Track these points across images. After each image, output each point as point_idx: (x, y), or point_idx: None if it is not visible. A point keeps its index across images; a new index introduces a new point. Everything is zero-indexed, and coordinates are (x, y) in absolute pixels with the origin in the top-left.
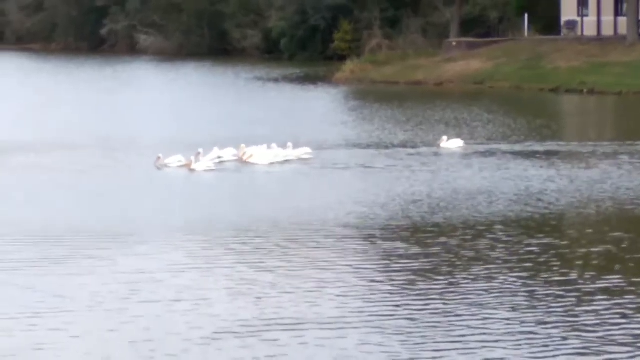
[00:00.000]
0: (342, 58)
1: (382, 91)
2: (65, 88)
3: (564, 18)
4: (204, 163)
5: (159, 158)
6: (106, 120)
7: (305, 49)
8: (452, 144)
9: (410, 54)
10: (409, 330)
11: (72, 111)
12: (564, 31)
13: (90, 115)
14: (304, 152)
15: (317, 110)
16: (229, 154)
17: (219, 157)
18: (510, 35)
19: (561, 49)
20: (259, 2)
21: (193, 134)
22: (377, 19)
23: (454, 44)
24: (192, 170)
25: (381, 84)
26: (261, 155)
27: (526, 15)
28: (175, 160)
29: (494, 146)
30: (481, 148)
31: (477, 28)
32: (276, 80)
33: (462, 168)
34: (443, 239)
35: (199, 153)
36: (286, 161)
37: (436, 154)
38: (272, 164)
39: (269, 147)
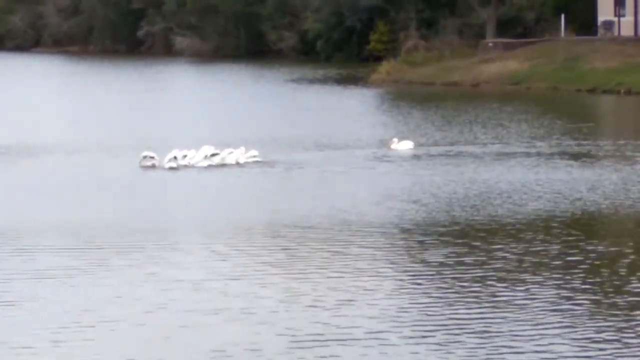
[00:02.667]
0: (378, 59)
1: (418, 92)
2: (103, 90)
3: (600, 18)
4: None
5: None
6: (142, 122)
7: (341, 51)
8: (402, 146)
9: (446, 54)
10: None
11: (110, 113)
12: (600, 31)
13: (127, 116)
14: (251, 155)
15: (352, 111)
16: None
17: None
18: (546, 35)
19: (598, 49)
20: (295, 4)
21: (223, 135)
22: (413, 20)
23: (491, 44)
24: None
25: (417, 85)
26: (193, 157)
27: (563, 16)
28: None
29: (522, 149)
30: (516, 149)
31: (514, 28)
32: (312, 81)
33: (498, 167)
34: (480, 240)
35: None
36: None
37: (414, 156)
38: (208, 166)
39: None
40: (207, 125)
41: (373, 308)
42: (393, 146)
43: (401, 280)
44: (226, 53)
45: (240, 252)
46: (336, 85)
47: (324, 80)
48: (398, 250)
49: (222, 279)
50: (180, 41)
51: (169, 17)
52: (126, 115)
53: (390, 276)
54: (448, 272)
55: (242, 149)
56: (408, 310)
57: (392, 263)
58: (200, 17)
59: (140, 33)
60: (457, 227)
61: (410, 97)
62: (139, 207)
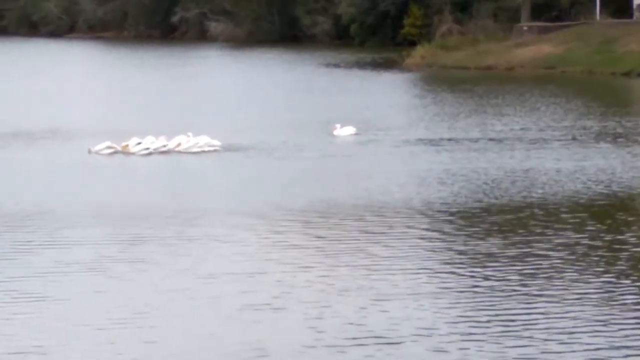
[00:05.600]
0: (412, 43)
1: (452, 76)
2: (136, 76)
3: (636, 1)
4: (138, 147)
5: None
6: (176, 107)
7: (376, 35)
8: (345, 132)
9: (480, 38)
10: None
11: (141, 98)
12: (636, 14)
13: (162, 102)
14: (206, 142)
15: (387, 95)
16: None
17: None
18: (581, 19)
19: (633, 32)
20: None
21: (249, 120)
22: (448, 4)
23: (525, 28)
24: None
25: (452, 69)
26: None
27: None
28: (104, 146)
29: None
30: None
31: (548, 12)
32: (346, 66)
33: (532, 152)
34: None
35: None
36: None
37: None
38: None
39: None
40: (239, 111)
41: (425, 300)
42: (335, 132)
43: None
44: (260, 38)
45: (280, 239)
46: (370, 69)
47: (358, 65)
48: (442, 236)
49: (265, 270)
50: (214, 26)
51: (202, 2)
52: (158, 100)
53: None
54: (491, 261)
55: (205, 136)
56: (460, 305)
57: (437, 250)
58: (234, 2)
59: (175, 19)
60: (499, 213)
61: (444, 81)
62: (171, 192)
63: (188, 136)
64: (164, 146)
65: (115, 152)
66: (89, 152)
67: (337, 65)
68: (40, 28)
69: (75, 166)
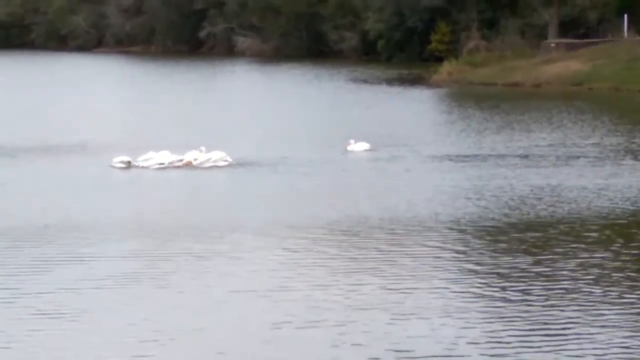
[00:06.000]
0: (439, 59)
1: (479, 93)
2: (164, 90)
3: None
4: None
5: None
6: (198, 122)
7: (403, 51)
8: (359, 147)
9: (508, 55)
10: None
11: (169, 113)
12: None
13: (185, 116)
14: (220, 157)
15: (413, 111)
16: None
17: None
18: (609, 36)
19: None
20: (357, 4)
21: (268, 135)
22: (475, 20)
23: (553, 45)
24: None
25: (478, 86)
26: (150, 159)
27: (626, 16)
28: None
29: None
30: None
31: (576, 29)
32: (373, 82)
33: (560, 169)
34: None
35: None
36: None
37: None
38: (161, 168)
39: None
40: (259, 126)
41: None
42: (349, 148)
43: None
44: (287, 53)
45: (305, 253)
46: (397, 85)
47: (385, 81)
48: (472, 251)
49: (288, 287)
50: (242, 41)
51: (230, 17)
52: (181, 115)
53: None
54: (523, 275)
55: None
56: (484, 322)
57: (473, 264)
58: (261, 17)
59: (202, 33)
60: (525, 230)
61: (471, 97)
62: (193, 207)
63: (201, 151)
64: (180, 160)
65: (129, 167)
66: (128, 165)
67: (364, 81)
68: (69, 42)
69: (98, 180)
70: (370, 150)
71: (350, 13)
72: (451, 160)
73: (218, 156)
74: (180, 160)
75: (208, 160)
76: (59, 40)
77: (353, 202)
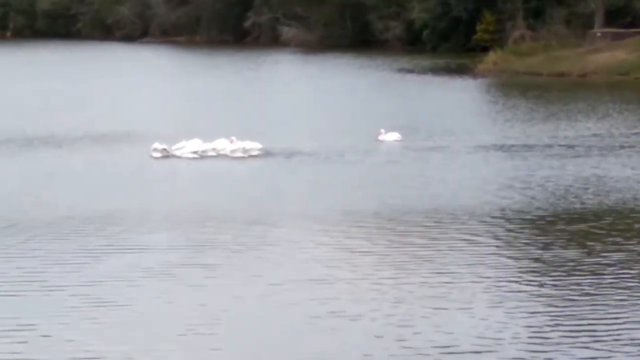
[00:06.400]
0: (484, 49)
1: (525, 82)
2: (208, 80)
3: None
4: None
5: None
6: (240, 111)
7: (448, 41)
8: (390, 137)
9: (553, 44)
10: None
11: (210, 103)
12: None
13: (227, 106)
14: (253, 147)
15: (458, 101)
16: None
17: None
18: None
19: None
20: None
21: (306, 125)
22: (520, 10)
23: (599, 34)
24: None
25: (524, 75)
26: (184, 147)
27: None
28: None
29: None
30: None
31: (622, 18)
32: (418, 71)
33: (606, 159)
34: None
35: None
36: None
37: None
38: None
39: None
40: (300, 115)
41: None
42: (380, 137)
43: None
44: (332, 43)
45: (356, 244)
46: (442, 75)
47: (430, 71)
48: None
49: (334, 277)
50: (287, 31)
51: (275, 7)
52: (224, 104)
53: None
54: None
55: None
56: (532, 314)
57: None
58: (306, 7)
59: (247, 23)
60: (571, 221)
61: (516, 87)
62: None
63: (231, 141)
64: (213, 149)
65: (166, 156)
66: (165, 154)
67: (409, 71)
68: (114, 32)
69: (140, 169)
70: (401, 140)
71: (395, 2)
72: (496, 150)
73: (250, 145)
74: (214, 149)
75: (240, 149)
76: (104, 30)
77: (396, 191)
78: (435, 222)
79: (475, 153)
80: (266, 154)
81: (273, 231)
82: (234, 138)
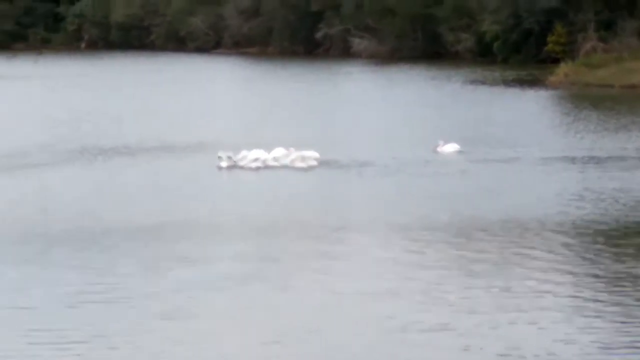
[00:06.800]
0: (555, 61)
1: (596, 95)
2: (280, 91)
3: None
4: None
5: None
6: (311, 122)
7: (519, 52)
8: (448, 148)
9: (625, 57)
10: None
11: (285, 113)
12: None
13: (300, 117)
14: (312, 156)
15: (528, 113)
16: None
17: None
18: None
19: None
20: (473, 6)
21: (378, 137)
22: (592, 22)
23: None
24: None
25: (595, 88)
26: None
27: None
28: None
29: None
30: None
31: None
32: (489, 83)
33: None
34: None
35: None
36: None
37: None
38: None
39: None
40: (365, 127)
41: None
42: (439, 149)
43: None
44: (403, 55)
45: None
46: (514, 87)
47: (501, 82)
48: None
49: (408, 288)
50: (358, 43)
51: (346, 19)
52: (293, 115)
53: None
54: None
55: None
56: (601, 327)
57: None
58: (378, 19)
59: (319, 35)
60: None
61: (587, 99)
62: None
63: (289, 150)
64: (274, 159)
65: (231, 166)
66: (230, 163)
67: (480, 82)
68: (187, 43)
69: (207, 179)
70: (459, 151)
71: (467, 14)
72: (567, 161)
73: (310, 155)
74: (275, 159)
75: (299, 158)
76: (177, 41)
77: (465, 203)
78: (506, 233)
79: (545, 165)
80: (326, 164)
81: (342, 242)
82: (292, 148)
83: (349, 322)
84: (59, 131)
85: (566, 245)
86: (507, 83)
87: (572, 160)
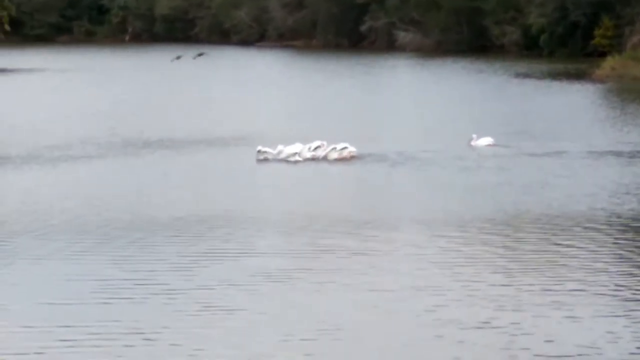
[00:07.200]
0: (602, 54)
1: None
2: (323, 84)
3: None
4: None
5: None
6: (351, 115)
7: (565, 45)
8: (482, 142)
9: None
10: None
11: (327, 106)
12: None
13: (340, 110)
14: (349, 150)
15: (574, 106)
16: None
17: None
18: None
19: None
20: None
21: (419, 129)
22: (639, 15)
23: None
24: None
25: None
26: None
27: None
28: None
29: None
30: None
31: None
32: (536, 76)
33: None
34: None
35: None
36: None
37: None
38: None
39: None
40: (411, 120)
41: None
42: (473, 143)
43: None
44: (448, 48)
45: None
46: (560, 80)
47: (547, 76)
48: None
49: (450, 284)
50: (403, 36)
51: (391, 12)
52: (334, 108)
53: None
54: None
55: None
56: None
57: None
58: (423, 12)
59: (363, 28)
60: None
61: (634, 93)
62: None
63: (322, 145)
64: (311, 152)
65: (269, 159)
66: (266, 156)
67: (527, 76)
68: (231, 36)
69: (247, 173)
70: (493, 145)
71: (512, 7)
72: (612, 156)
73: (347, 148)
74: (312, 153)
75: (337, 152)
76: (221, 34)
77: (506, 197)
78: (549, 228)
79: (590, 159)
80: (363, 157)
81: (380, 237)
82: (324, 142)
83: (389, 319)
84: (103, 124)
85: (611, 240)
86: (554, 76)
87: (618, 154)
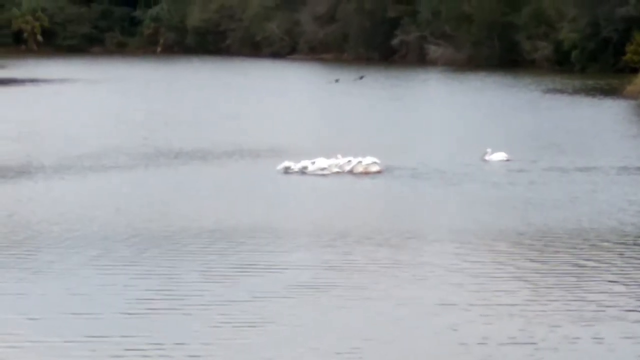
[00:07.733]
0: (634, 71)
1: None
2: (353, 98)
3: None
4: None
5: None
6: (379, 129)
7: (596, 61)
8: (496, 157)
9: None
10: None
11: (356, 120)
12: None
13: (367, 124)
14: (373, 164)
15: (604, 122)
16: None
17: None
18: None
19: None
20: (551, 14)
21: (443, 144)
22: None
23: None
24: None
25: None
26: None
27: None
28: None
29: None
30: None
31: None
32: (567, 92)
33: None
34: None
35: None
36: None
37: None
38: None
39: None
40: (435, 134)
41: None
42: (487, 157)
43: None
44: (479, 62)
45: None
46: (591, 96)
47: (579, 91)
48: None
49: (480, 300)
50: (434, 50)
51: (423, 25)
52: (363, 122)
53: None
54: None
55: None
56: None
57: None
58: (454, 26)
59: (395, 41)
60: None
61: None
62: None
63: (350, 158)
64: (337, 166)
65: (293, 172)
66: (289, 170)
67: (558, 91)
68: (263, 49)
69: (272, 186)
70: (507, 160)
71: (544, 23)
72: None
73: (370, 163)
74: (338, 166)
75: (361, 166)
76: (253, 46)
77: (535, 212)
78: (578, 243)
79: (620, 174)
80: (386, 171)
81: (412, 250)
82: (339, 155)
83: (421, 334)
84: (135, 134)
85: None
86: (586, 92)
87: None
